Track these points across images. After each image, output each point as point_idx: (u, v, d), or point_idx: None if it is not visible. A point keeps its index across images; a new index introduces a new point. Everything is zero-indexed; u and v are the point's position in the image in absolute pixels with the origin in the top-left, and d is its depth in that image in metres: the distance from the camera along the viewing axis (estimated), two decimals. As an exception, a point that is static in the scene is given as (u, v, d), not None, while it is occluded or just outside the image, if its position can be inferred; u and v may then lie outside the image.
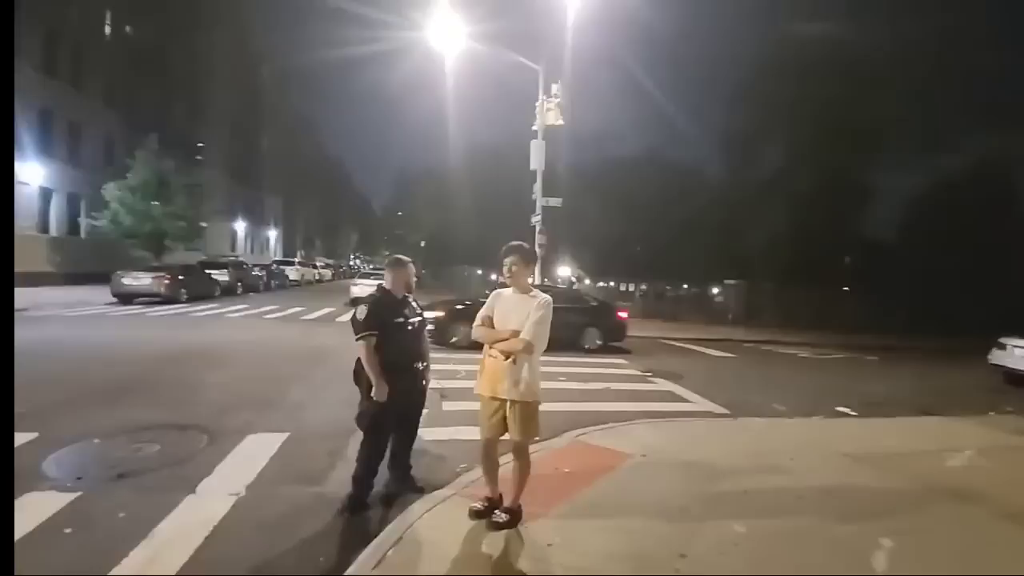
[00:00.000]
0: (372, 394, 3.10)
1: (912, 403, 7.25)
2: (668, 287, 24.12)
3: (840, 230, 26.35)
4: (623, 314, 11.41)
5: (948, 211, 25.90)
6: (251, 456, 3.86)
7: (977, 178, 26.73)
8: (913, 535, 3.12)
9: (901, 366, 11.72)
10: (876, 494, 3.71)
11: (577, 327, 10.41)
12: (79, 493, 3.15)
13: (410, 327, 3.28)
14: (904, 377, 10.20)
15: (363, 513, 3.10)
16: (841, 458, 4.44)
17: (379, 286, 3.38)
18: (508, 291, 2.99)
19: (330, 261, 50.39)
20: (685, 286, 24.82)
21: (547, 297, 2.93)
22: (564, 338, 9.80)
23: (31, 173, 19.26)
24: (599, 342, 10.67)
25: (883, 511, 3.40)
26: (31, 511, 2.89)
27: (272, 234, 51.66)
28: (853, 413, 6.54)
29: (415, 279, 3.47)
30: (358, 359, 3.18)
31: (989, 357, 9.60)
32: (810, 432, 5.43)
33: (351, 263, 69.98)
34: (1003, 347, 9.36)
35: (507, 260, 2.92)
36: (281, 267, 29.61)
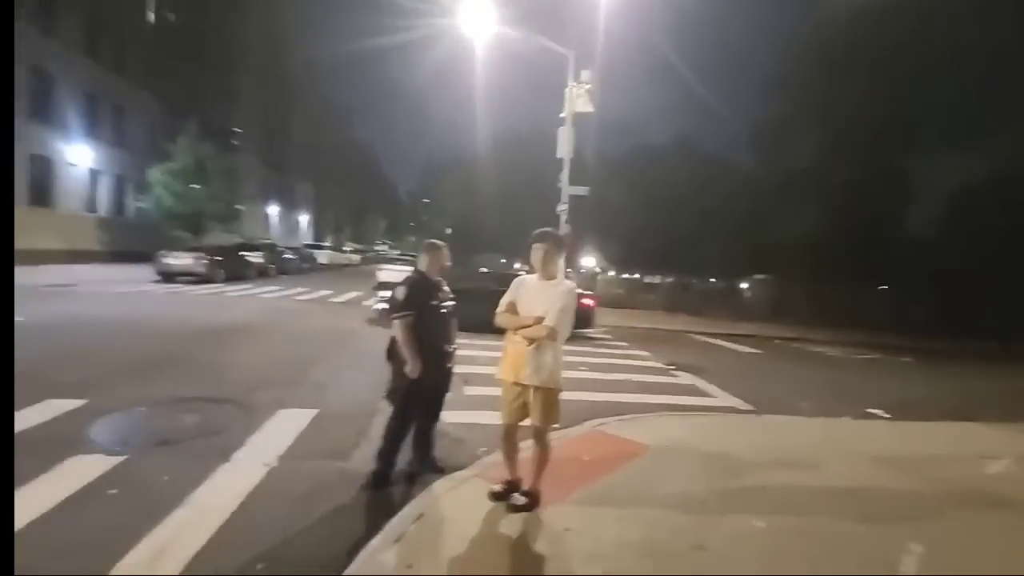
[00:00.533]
0: (406, 370, 3.21)
1: (948, 407, 6.97)
2: (694, 280, 23.68)
3: (875, 225, 25.22)
4: (588, 301, 10.89)
5: (995, 206, 24.44)
6: (282, 430, 4.04)
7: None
8: (939, 541, 3.04)
9: (938, 369, 11.26)
10: (903, 497, 3.61)
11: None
12: (124, 457, 3.37)
13: (443, 310, 3.39)
14: (941, 380, 9.81)
15: (386, 489, 3.21)
16: (869, 460, 4.33)
17: (415, 269, 3.51)
18: (532, 278, 3.01)
19: (359, 246, 51.30)
20: (712, 280, 24.31)
21: (572, 284, 2.94)
22: (483, 320, 9.84)
23: (80, 155, 20.16)
24: None
25: (910, 515, 3.32)
26: (79, 473, 3.11)
27: (303, 218, 52.84)
28: (884, 415, 6.34)
29: (448, 263, 3.53)
30: (392, 338, 3.29)
31: (1036, 363, 9.13)
32: (837, 432, 5.30)
33: (378, 248, 71.08)
34: (1052, 353, 8.88)
35: (537, 246, 2.94)
36: (311, 250, 30.36)
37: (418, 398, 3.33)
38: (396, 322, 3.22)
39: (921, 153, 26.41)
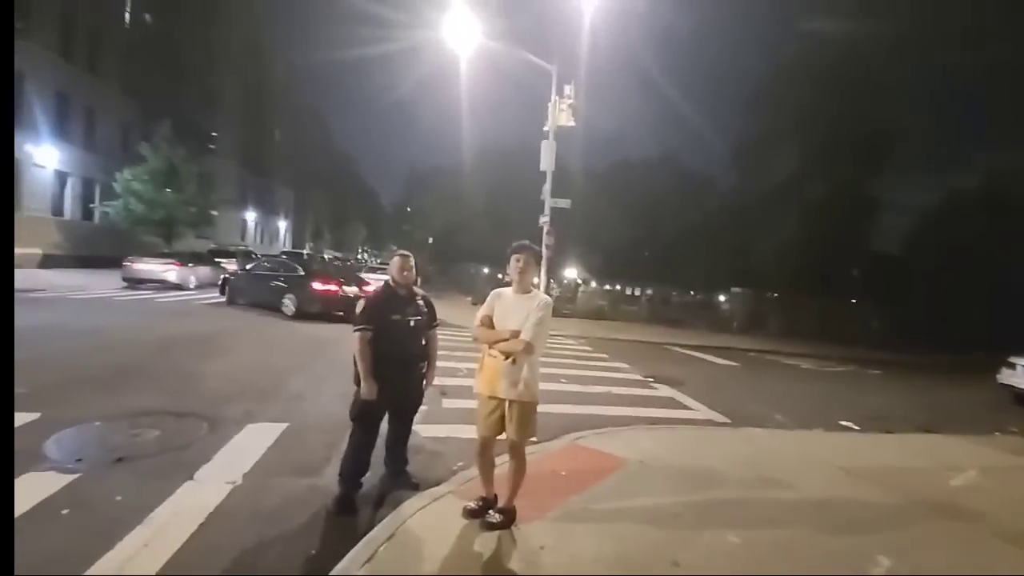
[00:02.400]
0: (359, 390, 3.12)
1: (915, 419, 7.17)
2: (674, 293, 24.04)
3: (848, 241, 26.14)
4: (320, 286, 11.71)
5: (959, 225, 25.61)
6: (250, 445, 3.89)
7: (989, 191, 26.42)
8: (907, 551, 3.08)
9: (905, 381, 11.60)
10: (873, 509, 3.67)
11: (278, 293, 11.69)
12: (78, 475, 3.19)
13: (407, 324, 3.23)
14: (908, 392, 10.10)
15: (350, 515, 3.04)
16: (839, 472, 4.39)
17: (386, 281, 3.39)
18: (507, 291, 2.99)
19: (339, 254, 50.64)
20: (691, 292, 24.73)
21: (547, 298, 2.92)
22: (267, 302, 11.88)
23: (47, 156, 19.50)
24: (294, 308, 11.46)
25: (879, 526, 3.37)
26: (30, 490, 2.92)
27: (282, 225, 52.01)
28: (855, 427, 6.48)
29: (407, 272, 3.30)
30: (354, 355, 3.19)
31: (998, 376, 9.49)
32: (810, 444, 5.38)
33: (359, 256, 70.26)
34: (1012, 367, 9.24)
35: (515, 257, 2.92)
36: (335, 265, 29.74)
37: (376, 415, 3.21)
38: (354, 336, 3.13)
39: (893, 171, 27.60)
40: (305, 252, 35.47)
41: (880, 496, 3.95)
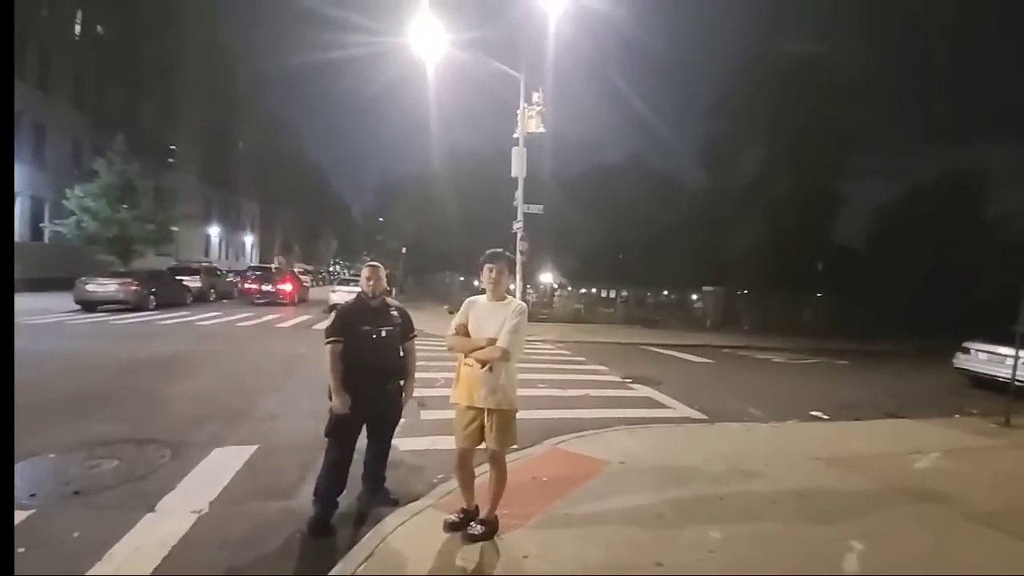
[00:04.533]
0: (331, 404, 3.04)
1: (882, 406, 7.44)
2: (649, 294, 24.39)
3: (814, 237, 27.14)
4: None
5: (916, 219, 26.94)
6: (217, 471, 3.71)
7: (944, 187, 27.91)
8: (883, 537, 3.17)
9: (871, 370, 12.04)
10: (848, 497, 3.76)
11: None
12: (32, 511, 2.99)
13: (379, 336, 3.15)
14: (874, 381, 10.47)
15: (326, 538, 2.92)
16: (814, 462, 4.50)
17: (358, 293, 3.30)
18: (482, 299, 2.96)
19: (309, 267, 49.49)
20: (665, 292, 25.14)
21: (522, 304, 2.90)
22: None
23: (-9, 175, 18.46)
24: None
25: (855, 513, 3.45)
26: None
27: (248, 239, 50.53)
28: (825, 417, 6.67)
29: (374, 282, 3.21)
30: None
31: (954, 361, 9.93)
32: (784, 436, 5.51)
33: (331, 269, 68.93)
34: (967, 351, 9.69)
35: (488, 266, 2.89)
36: (257, 273, 28.93)
37: (350, 429, 3.11)
38: (325, 349, 3.07)
39: (855, 170, 28.88)
40: (273, 266, 34.53)
41: (853, 483, 4.06)
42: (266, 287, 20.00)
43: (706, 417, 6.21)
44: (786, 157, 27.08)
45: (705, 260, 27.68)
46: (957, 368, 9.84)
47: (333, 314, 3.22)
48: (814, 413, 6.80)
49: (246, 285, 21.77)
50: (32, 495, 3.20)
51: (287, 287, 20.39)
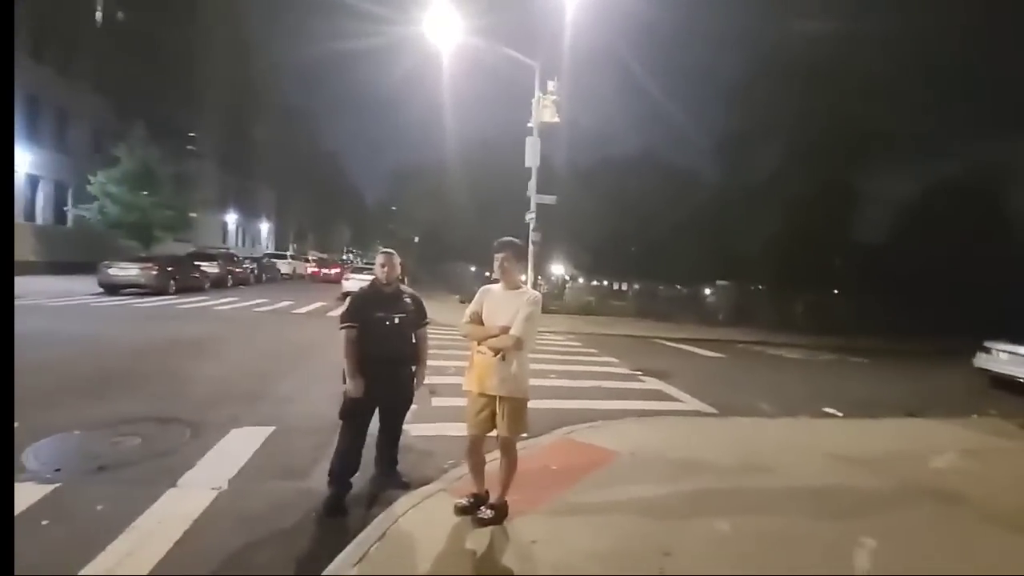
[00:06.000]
0: (345, 387, 3.10)
1: (897, 405, 7.31)
2: (661, 287, 24.22)
3: (832, 233, 26.58)
4: None
5: (939, 215, 26.23)
6: (235, 450, 3.82)
7: (968, 183, 27.10)
8: (895, 535, 3.14)
9: (888, 368, 11.84)
10: (859, 494, 3.73)
11: None
12: (57, 485, 3.10)
13: (393, 322, 3.21)
14: (891, 379, 10.31)
15: (340, 517, 3.00)
16: (826, 458, 4.47)
17: (372, 280, 3.36)
18: (496, 287, 2.97)
19: (323, 255, 50.00)
20: (678, 286, 24.93)
21: (536, 293, 2.91)
22: None
23: (18, 160, 18.92)
24: None
25: (866, 511, 3.43)
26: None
27: (264, 227, 51.17)
28: (839, 414, 6.59)
29: (388, 269, 3.26)
30: None
31: (974, 361, 9.72)
32: (796, 432, 5.46)
33: (344, 257, 69.54)
34: (988, 351, 9.48)
35: (499, 255, 2.91)
36: (272, 260, 29.39)
37: (364, 413, 3.19)
38: (340, 334, 3.14)
39: (875, 166, 28.13)
40: (288, 254, 34.99)
41: (865, 480, 4.02)
42: (325, 270, 30.07)
43: (717, 411, 6.18)
44: (803, 152, 26.49)
45: (719, 254, 27.34)
46: (977, 368, 9.64)
47: (348, 300, 3.28)
48: (827, 410, 6.72)
49: (309, 269, 31.83)
50: (57, 470, 3.32)
51: (336, 271, 28.55)
